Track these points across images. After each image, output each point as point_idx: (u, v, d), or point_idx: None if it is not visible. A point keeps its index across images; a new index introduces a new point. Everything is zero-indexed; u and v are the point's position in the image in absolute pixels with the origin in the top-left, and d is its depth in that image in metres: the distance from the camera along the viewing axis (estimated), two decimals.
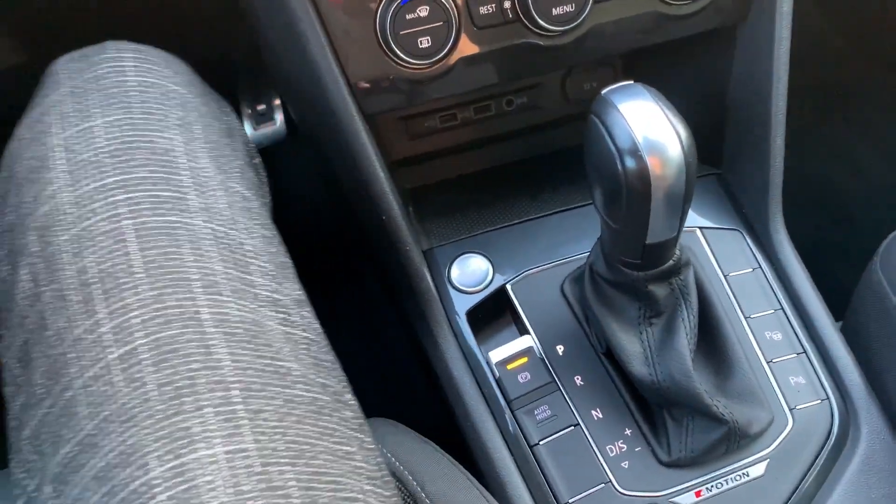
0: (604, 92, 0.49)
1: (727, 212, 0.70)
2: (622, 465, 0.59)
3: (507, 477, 0.59)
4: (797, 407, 0.61)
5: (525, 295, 0.65)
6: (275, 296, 0.41)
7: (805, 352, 0.63)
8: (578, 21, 0.58)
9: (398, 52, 0.56)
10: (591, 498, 0.58)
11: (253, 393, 0.35)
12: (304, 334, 0.41)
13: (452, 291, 0.66)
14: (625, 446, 0.60)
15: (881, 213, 0.79)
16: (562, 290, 0.65)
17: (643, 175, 0.47)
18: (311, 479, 0.34)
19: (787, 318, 0.65)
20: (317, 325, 0.44)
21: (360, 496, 0.36)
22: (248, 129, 1.14)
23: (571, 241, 0.68)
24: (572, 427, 0.60)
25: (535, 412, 0.61)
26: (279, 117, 1.15)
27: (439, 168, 0.78)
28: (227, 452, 0.32)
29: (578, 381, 0.62)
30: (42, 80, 0.49)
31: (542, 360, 0.63)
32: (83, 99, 0.44)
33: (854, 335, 0.69)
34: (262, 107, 1.16)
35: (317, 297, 1.25)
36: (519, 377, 0.62)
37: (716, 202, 0.71)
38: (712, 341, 0.60)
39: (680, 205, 0.49)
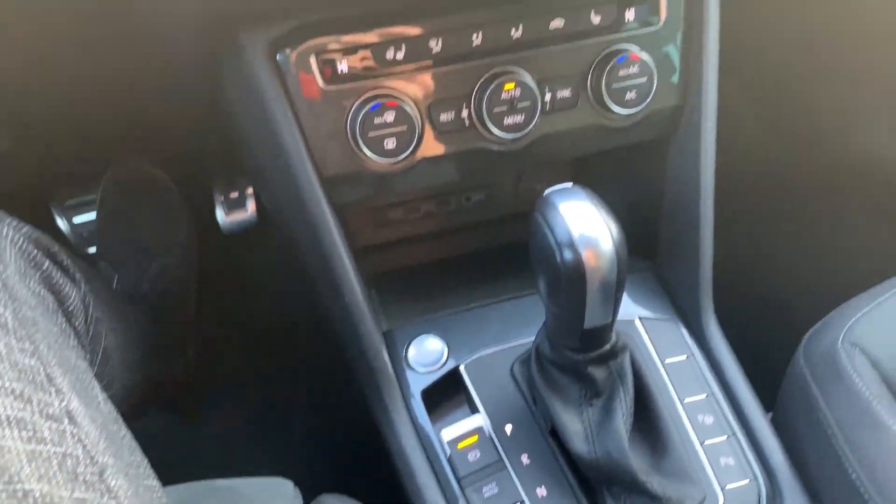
0: (546, 192, 0.56)
1: (663, 303, 0.76)
2: None
3: None
4: (727, 486, 0.65)
5: (477, 376, 0.69)
6: (21, 414, 0.40)
7: (734, 434, 0.68)
8: (527, 130, 0.65)
9: (366, 150, 0.63)
10: None
11: None
12: (58, 449, 0.40)
13: (409, 371, 0.70)
14: None
15: (809, 303, 0.87)
16: (511, 372, 0.70)
17: (579, 266, 0.52)
18: None
19: (718, 403, 0.70)
20: (90, 433, 0.43)
21: None
22: (220, 215, 1.20)
23: (522, 326, 0.73)
24: None
25: (483, 490, 0.64)
26: (251, 205, 1.21)
27: (402, 255, 0.84)
28: None
29: (525, 459, 0.65)
30: None
31: (491, 438, 0.66)
32: None
33: (783, 423, 0.74)
34: (234, 194, 1.22)
35: (278, 375, 1.27)
36: (469, 455, 0.65)
37: (653, 294, 0.77)
38: (649, 422, 0.64)
39: (613, 293, 0.55)
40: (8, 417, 0.39)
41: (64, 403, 0.43)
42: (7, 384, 0.41)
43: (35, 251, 0.55)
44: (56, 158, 1.11)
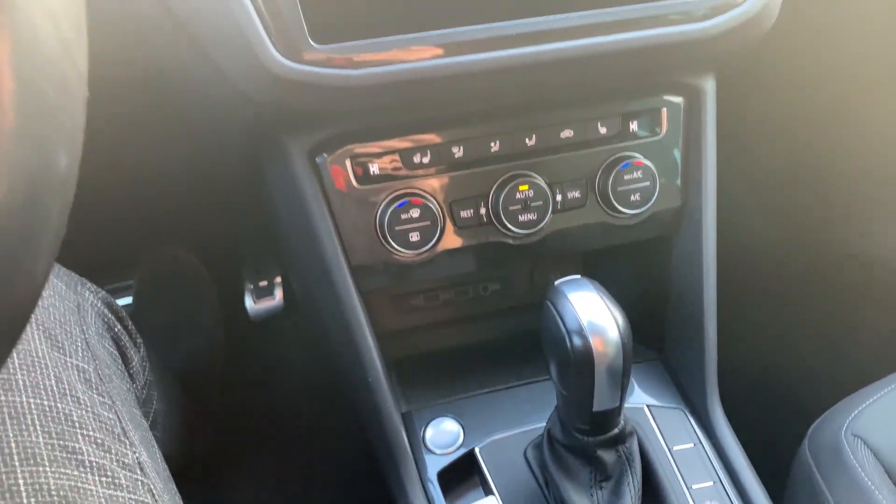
0: (556, 283, 0.61)
1: (671, 392, 0.80)
2: None
3: None
4: None
5: (492, 458, 0.72)
6: (102, 461, 0.45)
7: None
8: (540, 227, 0.71)
9: (393, 243, 0.69)
10: None
11: None
12: (132, 496, 0.45)
13: (426, 452, 0.73)
14: None
15: (815, 395, 0.90)
16: (525, 455, 0.73)
17: (587, 352, 0.57)
18: None
19: (725, 489, 0.72)
20: (157, 485, 0.48)
21: None
22: (248, 302, 1.25)
23: (535, 410, 0.77)
24: None
25: None
26: (279, 293, 1.27)
27: (422, 341, 0.89)
28: None
29: None
30: None
31: None
32: None
33: None
34: (264, 283, 1.28)
35: (298, 458, 1.29)
36: None
37: (661, 383, 0.81)
38: None
39: (619, 378, 0.59)
40: (91, 463, 0.44)
41: (136, 455, 0.48)
42: (90, 433, 0.46)
43: (109, 314, 0.61)
44: (97, 244, 1.19)
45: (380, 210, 0.68)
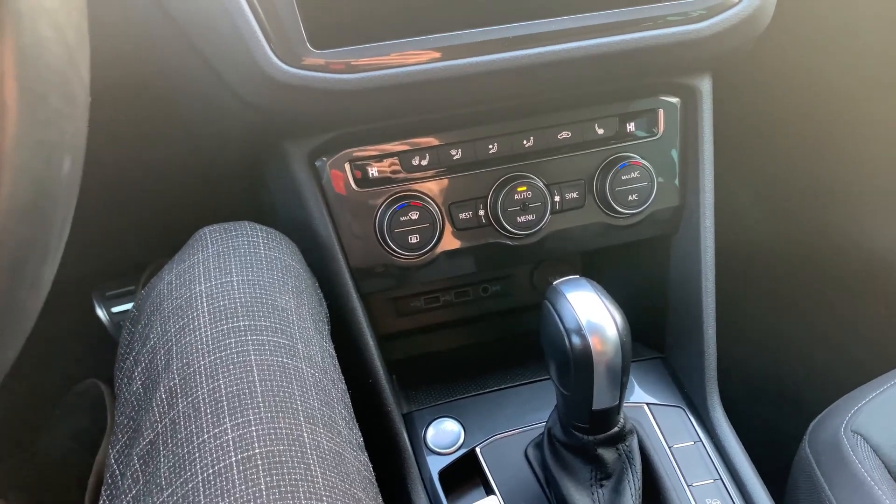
0: (555, 283, 0.61)
1: (671, 391, 0.80)
2: None
3: None
4: None
5: (492, 457, 0.73)
6: (349, 437, 0.51)
7: None
8: (538, 227, 0.72)
9: (392, 245, 0.69)
10: None
11: None
12: (366, 473, 0.51)
13: (427, 452, 0.74)
14: None
15: (816, 392, 0.90)
16: (525, 455, 0.73)
17: (586, 350, 0.57)
18: None
19: (726, 487, 0.72)
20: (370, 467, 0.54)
21: None
22: None
23: (535, 410, 0.77)
24: None
25: None
26: None
27: (422, 342, 0.89)
28: None
29: None
30: (190, 242, 0.61)
31: None
32: (225, 260, 0.57)
33: None
34: None
35: None
36: None
37: (661, 382, 0.81)
38: None
39: (619, 376, 0.59)
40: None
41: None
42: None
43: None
44: (100, 250, 1.20)
45: (379, 213, 0.69)
